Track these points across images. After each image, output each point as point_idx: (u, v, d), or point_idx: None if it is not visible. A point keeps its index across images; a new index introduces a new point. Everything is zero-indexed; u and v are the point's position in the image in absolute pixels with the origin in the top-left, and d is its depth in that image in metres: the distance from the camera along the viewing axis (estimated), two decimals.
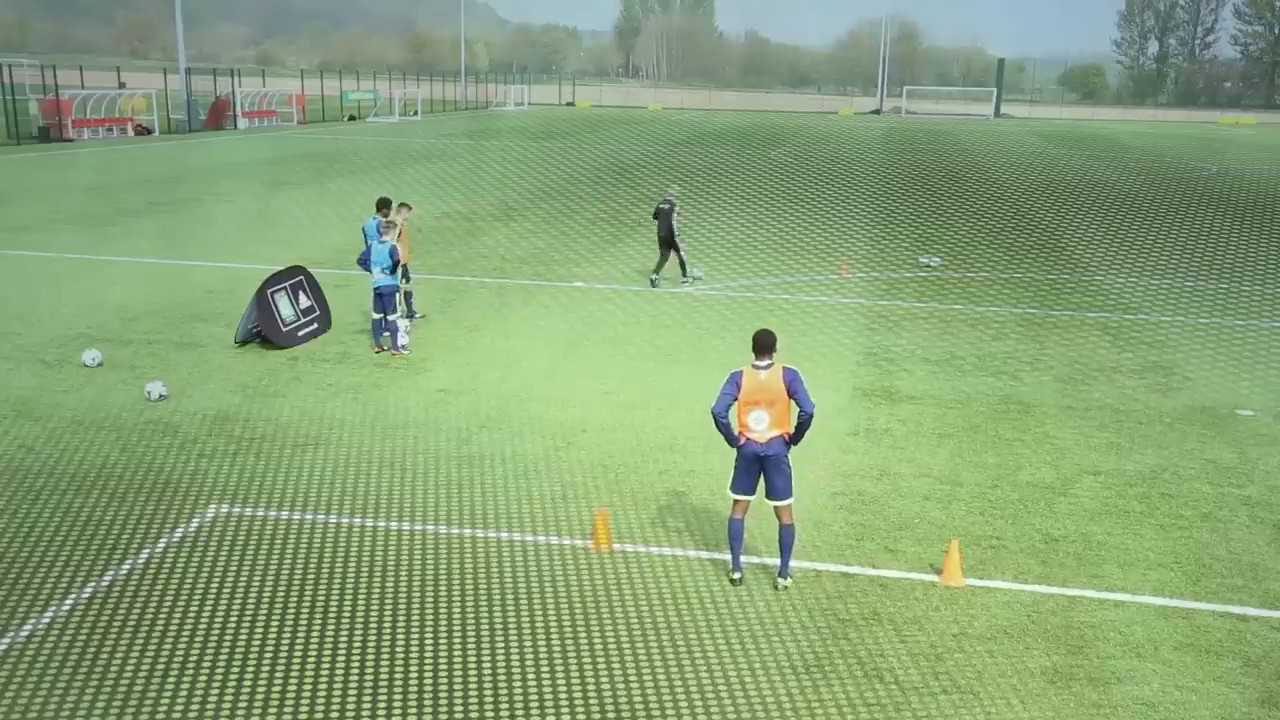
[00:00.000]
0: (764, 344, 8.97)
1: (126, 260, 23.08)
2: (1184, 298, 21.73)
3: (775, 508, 9.12)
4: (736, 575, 9.19)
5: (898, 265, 24.51)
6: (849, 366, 15.97)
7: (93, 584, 8.92)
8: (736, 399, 8.92)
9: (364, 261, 16.08)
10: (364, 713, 7.29)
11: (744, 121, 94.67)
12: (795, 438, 9.07)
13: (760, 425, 8.91)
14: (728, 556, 9.38)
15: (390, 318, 16.01)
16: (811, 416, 8.98)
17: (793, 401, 8.96)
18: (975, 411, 14.00)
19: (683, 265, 21.57)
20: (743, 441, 8.99)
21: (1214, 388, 15.34)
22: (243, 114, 68.63)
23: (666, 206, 21.23)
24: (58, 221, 27.92)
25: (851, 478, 11.59)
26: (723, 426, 8.95)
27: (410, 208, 17.97)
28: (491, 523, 10.22)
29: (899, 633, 8.46)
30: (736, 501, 9.16)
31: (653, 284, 21.34)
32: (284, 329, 16.29)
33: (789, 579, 9.16)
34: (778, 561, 9.31)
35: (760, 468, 9.04)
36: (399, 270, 16.24)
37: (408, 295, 17.95)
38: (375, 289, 15.89)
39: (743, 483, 9.10)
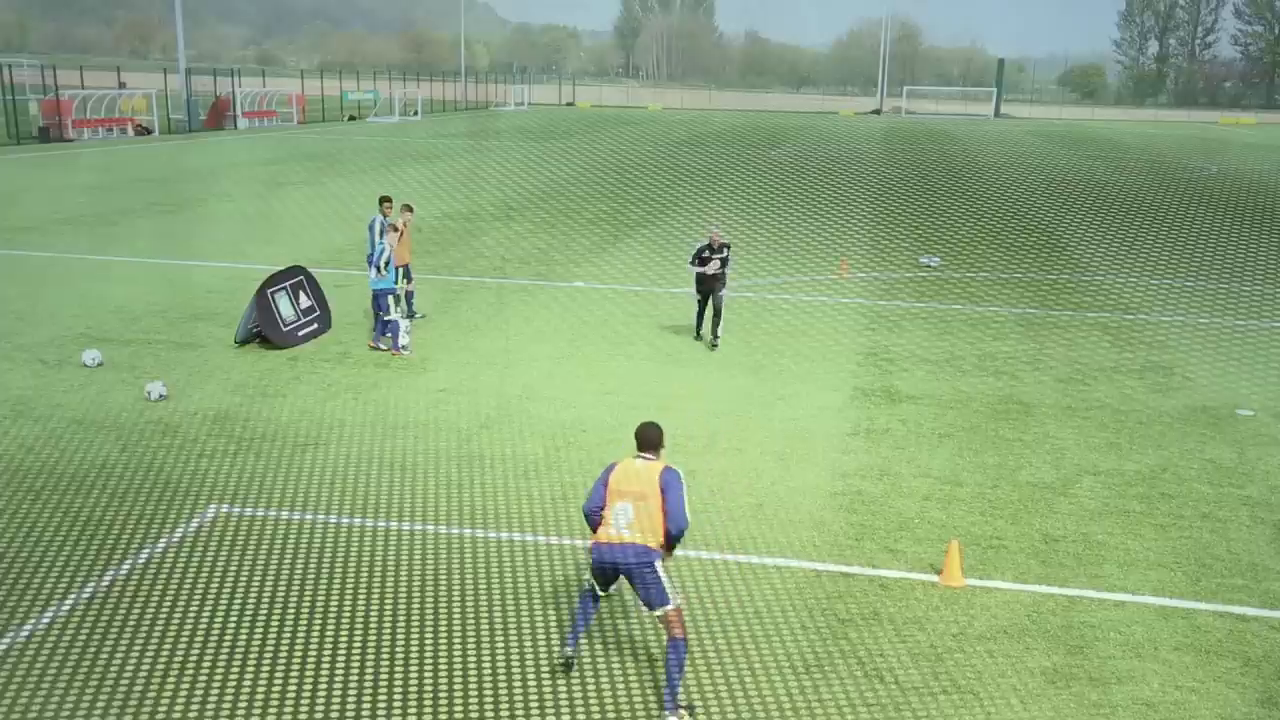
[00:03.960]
0: (646, 439, 7.72)
1: (127, 260, 23.08)
2: (1184, 298, 21.73)
3: (655, 617, 7.54)
4: (568, 649, 7.68)
5: (898, 265, 24.51)
6: (849, 366, 15.97)
7: (93, 584, 8.91)
8: (605, 489, 7.55)
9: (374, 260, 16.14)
10: (364, 713, 7.29)
11: (744, 121, 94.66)
12: (668, 547, 7.56)
13: (621, 520, 7.39)
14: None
15: (387, 318, 15.96)
16: (681, 535, 7.43)
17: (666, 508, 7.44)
18: (975, 411, 14.00)
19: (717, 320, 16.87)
20: (591, 543, 7.56)
21: (1214, 388, 15.33)
22: (243, 114, 68.65)
23: (718, 262, 16.52)
24: (58, 221, 27.91)
25: (851, 478, 11.58)
26: (589, 523, 7.69)
27: (412, 210, 17.99)
28: (491, 523, 10.22)
29: (899, 633, 8.46)
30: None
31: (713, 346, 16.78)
32: (284, 329, 16.29)
33: (677, 713, 7.24)
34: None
35: (615, 575, 7.51)
36: (392, 270, 16.11)
37: (409, 295, 17.96)
38: (374, 290, 15.92)
39: (595, 578, 7.63)
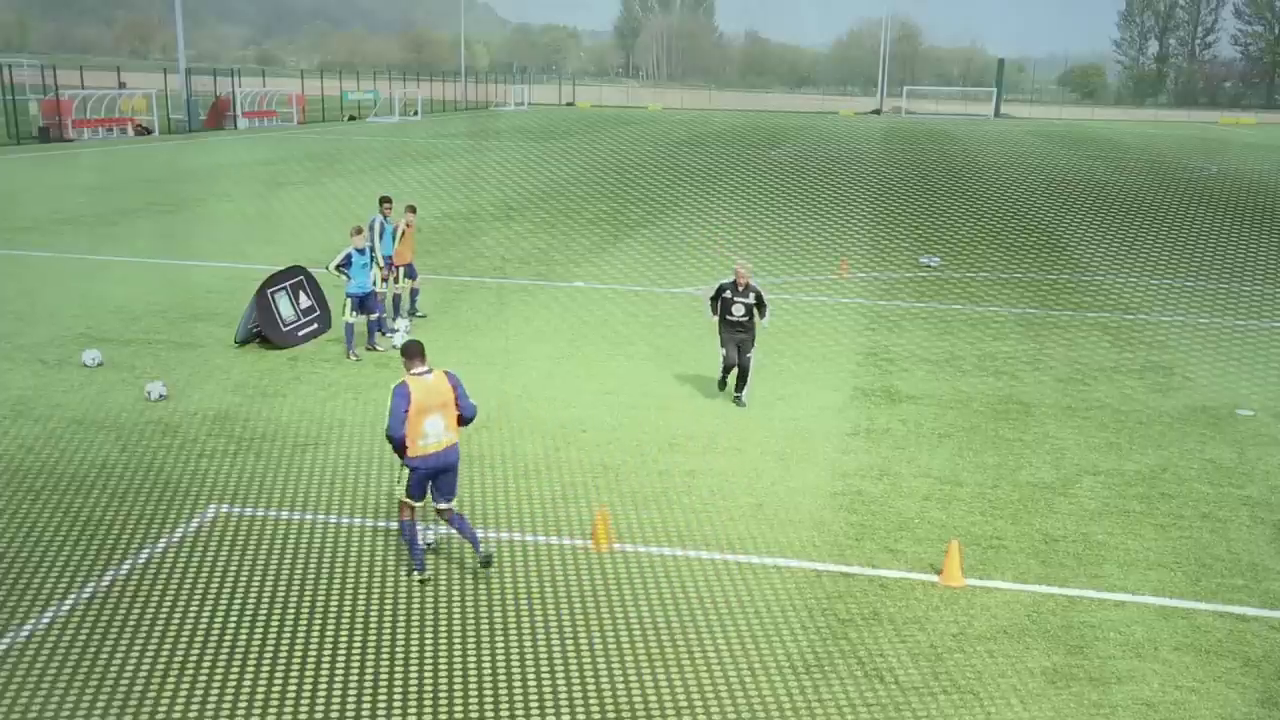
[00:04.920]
0: (416, 351, 8.93)
1: (126, 260, 23.08)
2: (1184, 298, 21.73)
3: (440, 509, 9.14)
4: (425, 575, 9.04)
5: (898, 265, 24.51)
6: (849, 366, 15.97)
7: (93, 584, 8.92)
8: (409, 411, 8.66)
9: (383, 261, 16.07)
10: (364, 713, 7.30)
11: (744, 121, 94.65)
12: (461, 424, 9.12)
13: (435, 431, 8.78)
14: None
15: (348, 320, 15.77)
16: (472, 419, 9.07)
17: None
18: (975, 411, 14.00)
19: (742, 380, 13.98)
20: (416, 458, 8.79)
21: (1214, 388, 15.34)
22: (243, 114, 68.64)
23: (743, 308, 13.50)
24: (58, 221, 27.91)
25: (851, 478, 11.58)
26: (399, 446, 8.78)
27: (415, 210, 17.97)
28: (491, 523, 10.22)
29: (899, 633, 8.46)
30: (406, 505, 9.00)
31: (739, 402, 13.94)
32: (284, 329, 16.29)
33: (488, 549, 9.12)
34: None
35: (432, 479, 8.97)
36: (362, 274, 15.80)
37: (412, 293, 17.99)
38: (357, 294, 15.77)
39: (418, 491, 8.96)
